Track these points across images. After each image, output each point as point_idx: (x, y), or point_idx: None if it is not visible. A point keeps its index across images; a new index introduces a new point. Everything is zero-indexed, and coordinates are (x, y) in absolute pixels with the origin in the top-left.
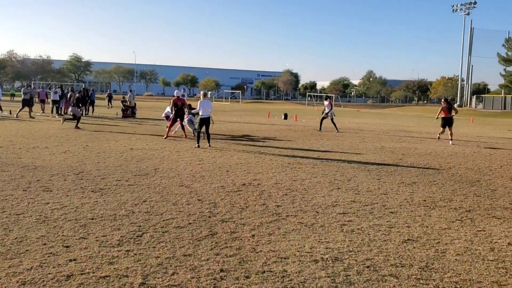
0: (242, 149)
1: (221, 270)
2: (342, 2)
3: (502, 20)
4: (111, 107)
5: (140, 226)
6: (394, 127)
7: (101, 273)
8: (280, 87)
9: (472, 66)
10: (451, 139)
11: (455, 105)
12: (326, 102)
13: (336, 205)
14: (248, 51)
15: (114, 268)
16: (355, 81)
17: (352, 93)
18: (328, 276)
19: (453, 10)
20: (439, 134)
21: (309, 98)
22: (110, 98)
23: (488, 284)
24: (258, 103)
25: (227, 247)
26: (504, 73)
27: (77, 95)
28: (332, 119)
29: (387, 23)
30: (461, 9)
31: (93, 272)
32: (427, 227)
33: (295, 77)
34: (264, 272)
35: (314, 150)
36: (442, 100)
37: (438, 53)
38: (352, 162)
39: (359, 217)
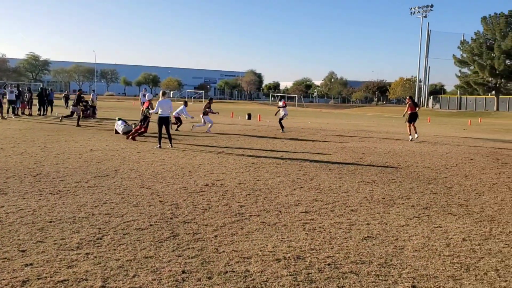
0: (205, 149)
1: (183, 272)
2: (304, 2)
3: (457, 23)
4: (68, 107)
5: (100, 229)
6: (354, 127)
7: (59, 277)
8: (243, 87)
9: (429, 67)
10: (416, 133)
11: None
12: (280, 103)
13: (299, 204)
14: (211, 51)
15: (73, 272)
16: (317, 82)
17: (315, 93)
18: (290, 275)
19: (411, 12)
20: (410, 134)
21: (272, 98)
22: (66, 99)
23: (444, 278)
24: (221, 103)
25: (189, 248)
26: (459, 74)
27: (78, 93)
28: (281, 119)
29: (348, 24)
30: (419, 11)
31: (51, 277)
32: (386, 224)
33: (259, 77)
34: (226, 272)
35: (277, 150)
36: (407, 98)
37: (397, 54)
38: (315, 161)
39: (321, 215)
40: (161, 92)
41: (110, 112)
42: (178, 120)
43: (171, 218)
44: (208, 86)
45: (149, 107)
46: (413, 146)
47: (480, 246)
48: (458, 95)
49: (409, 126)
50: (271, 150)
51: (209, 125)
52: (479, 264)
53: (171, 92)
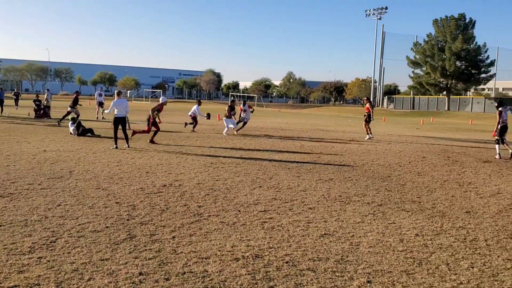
0: (163, 149)
1: (140, 273)
2: (263, 3)
3: (411, 25)
4: (17, 106)
5: (53, 232)
6: (313, 126)
7: (10, 283)
8: (202, 87)
9: (384, 68)
10: (371, 133)
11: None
12: (244, 107)
13: (258, 203)
14: (169, 50)
15: (25, 277)
16: (276, 82)
17: (274, 93)
18: (248, 274)
19: (366, 14)
20: (370, 133)
21: (232, 98)
22: (17, 98)
23: (398, 273)
24: (180, 103)
25: (146, 249)
26: (412, 75)
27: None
28: (240, 120)
29: (306, 25)
30: (374, 14)
31: (0, 283)
32: (343, 221)
33: (218, 76)
34: (184, 273)
35: (237, 149)
36: (365, 99)
37: (353, 55)
38: (274, 160)
39: (279, 214)
40: (116, 91)
41: (65, 112)
42: (194, 120)
43: (127, 220)
44: (166, 86)
45: (158, 111)
46: (368, 145)
47: (432, 241)
48: (411, 95)
49: (366, 125)
50: (230, 150)
51: (232, 127)
52: (431, 259)
53: (128, 91)
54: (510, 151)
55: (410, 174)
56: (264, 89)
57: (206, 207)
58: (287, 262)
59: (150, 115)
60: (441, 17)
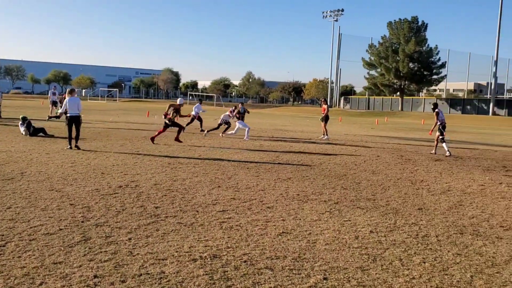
0: (119, 150)
1: (95, 276)
2: (220, 2)
3: (367, 27)
4: None
5: (3, 235)
6: (272, 126)
7: None
8: (160, 86)
9: (340, 69)
10: (327, 134)
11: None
12: (198, 105)
13: (216, 203)
14: (126, 48)
15: None
16: (236, 82)
17: (233, 93)
18: (206, 274)
19: (323, 16)
20: (326, 134)
21: (190, 97)
22: None
23: (353, 269)
24: (137, 102)
25: (101, 252)
26: (367, 76)
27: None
28: (191, 121)
29: (265, 25)
30: (330, 15)
31: None
32: (300, 219)
33: (176, 75)
34: (141, 275)
35: (195, 149)
36: (323, 100)
37: (311, 56)
38: (233, 160)
39: (238, 213)
40: (68, 90)
41: (17, 112)
42: (199, 120)
43: (82, 222)
44: (123, 84)
45: (176, 113)
46: (325, 144)
47: (386, 238)
48: (366, 96)
49: (324, 125)
50: (189, 150)
51: (240, 128)
52: (385, 255)
53: (83, 90)
54: (434, 150)
55: (365, 173)
56: (223, 89)
57: (163, 208)
58: (245, 261)
59: (167, 115)
60: (395, 20)
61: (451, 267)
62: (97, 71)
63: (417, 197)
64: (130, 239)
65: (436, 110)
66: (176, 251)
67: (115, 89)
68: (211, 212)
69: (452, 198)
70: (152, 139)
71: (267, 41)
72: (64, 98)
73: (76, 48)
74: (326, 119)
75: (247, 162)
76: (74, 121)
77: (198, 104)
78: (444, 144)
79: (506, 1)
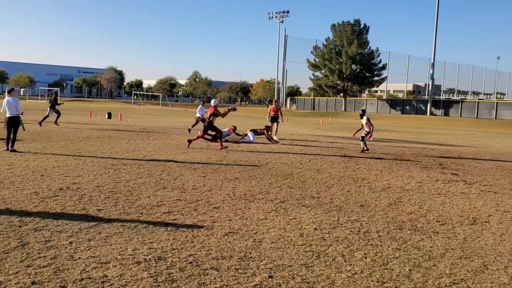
0: (59, 151)
1: (33, 283)
2: (166, 1)
3: (312, 29)
4: None
5: None
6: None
7: None
8: (103, 85)
9: (286, 70)
10: (276, 134)
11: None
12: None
13: (161, 205)
14: (66, 47)
15: None
16: (182, 81)
17: (179, 92)
18: (150, 276)
19: (269, 17)
20: (270, 133)
21: (135, 97)
22: None
23: (298, 267)
24: (79, 102)
25: (40, 257)
26: (312, 77)
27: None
28: (196, 123)
29: (212, 25)
30: (276, 17)
31: None
32: (247, 219)
33: (120, 74)
34: (82, 279)
35: (139, 150)
36: (274, 100)
37: (258, 57)
38: (179, 161)
39: (183, 214)
40: (7, 89)
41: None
42: (203, 121)
43: (19, 226)
44: (64, 84)
45: (214, 114)
46: (272, 144)
47: (329, 234)
48: (312, 97)
49: (272, 125)
50: (133, 150)
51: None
52: (328, 251)
53: (22, 89)
54: (361, 147)
55: (310, 172)
56: (169, 88)
57: (106, 210)
58: (190, 263)
59: (202, 118)
60: (338, 22)
61: (391, 261)
62: (36, 70)
63: (359, 194)
64: (71, 243)
65: (366, 116)
66: (120, 254)
67: (56, 88)
68: (156, 213)
69: (392, 195)
70: (190, 141)
71: (214, 41)
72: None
73: (13, 46)
74: (273, 118)
75: (194, 162)
76: (12, 122)
77: (200, 106)
78: (362, 143)
79: (443, 6)
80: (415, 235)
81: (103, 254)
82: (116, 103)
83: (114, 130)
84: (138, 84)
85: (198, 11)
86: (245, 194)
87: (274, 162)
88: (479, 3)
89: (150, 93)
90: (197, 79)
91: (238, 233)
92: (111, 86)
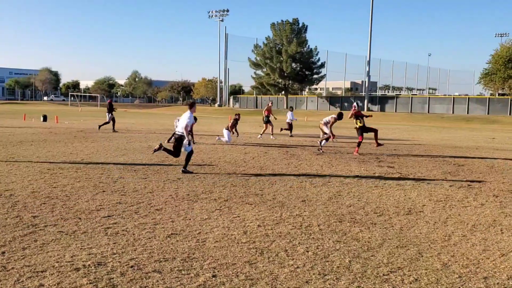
0: None
1: None
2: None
3: (253, 27)
4: None
5: None
6: (161, 126)
7: None
8: (38, 86)
9: (228, 69)
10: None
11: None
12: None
13: (101, 209)
14: None
15: None
16: (121, 81)
17: (119, 93)
18: (90, 283)
19: (209, 16)
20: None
21: (72, 98)
22: None
23: (242, 264)
24: (12, 104)
25: None
26: (254, 76)
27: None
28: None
29: (151, 23)
30: (216, 15)
31: None
32: (190, 219)
33: (55, 75)
34: None
35: (77, 153)
36: (270, 103)
37: (200, 56)
38: (119, 163)
39: (124, 218)
40: None
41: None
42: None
43: None
44: None
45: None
46: (216, 144)
47: (272, 230)
48: (254, 95)
49: (267, 126)
50: (70, 153)
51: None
52: (272, 247)
53: None
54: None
55: (254, 169)
56: (107, 89)
57: (42, 217)
58: (132, 267)
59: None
60: (277, 21)
61: (332, 253)
62: None
63: (301, 189)
64: (3, 253)
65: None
66: (57, 262)
67: None
68: (95, 218)
69: (332, 189)
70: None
71: (153, 40)
72: None
73: None
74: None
75: (134, 164)
76: None
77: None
78: (324, 142)
79: (377, 6)
80: (355, 227)
81: (39, 262)
82: (52, 105)
83: (50, 133)
84: (75, 85)
85: (136, 8)
86: (188, 195)
87: (218, 161)
88: (411, 3)
89: (88, 94)
90: (136, 79)
91: (181, 234)
92: (46, 88)
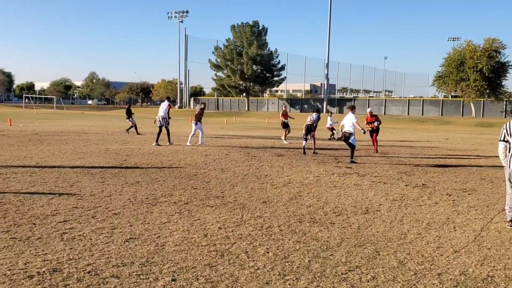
0: None
1: None
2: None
3: (213, 29)
4: None
5: None
6: (120, 128)
7: None
8: None
9: (188, 70)
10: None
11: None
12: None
13: (57, 214)
14: None
15: None
16: (78, 82)
17: (76, 94)
18: None
19: (168, 17)
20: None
21: (26, 100)
22: None
23: (202, 267)
24: None
25: None
26: (215, 78)
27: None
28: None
29: (109, 24)
30: (176, 16)
31: None
32: (149, 223)
33: (8, 76)
34: None
35: (32, 157)
36: (284, 106)
37: (159, 57)
38: (75, 166)
39: (80, 223)
40: None
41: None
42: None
43: None
44: None
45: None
46: (176, 145)
47: (233, 232)
48: (215, 97)
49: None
50: (24, 158)
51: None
52: (232, 249)
53: None
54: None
55: (215, 171)
56: (64, 90)
57: None
58: (89, 272)
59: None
60: (237, 23)
61: (292, 254)
62: None
63: (262, 191)
64: None
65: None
66: (9, 270)
67: None
68: (51, 223)
69: (292, 189)
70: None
71: (111, 40)
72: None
73: None
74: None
75: (91, 167)
76: None
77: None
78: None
79: (335, 10)
80: (314, 226)
81: None
82: (5, 108)
83: (3, 136)
84: (30, 87)
85: (92, 8)
86: (147, 198)
87: (178, 163)
88: (369, 7)
89: (43, 96)
90: (94, 80)
91: (140, 238)
92: None
